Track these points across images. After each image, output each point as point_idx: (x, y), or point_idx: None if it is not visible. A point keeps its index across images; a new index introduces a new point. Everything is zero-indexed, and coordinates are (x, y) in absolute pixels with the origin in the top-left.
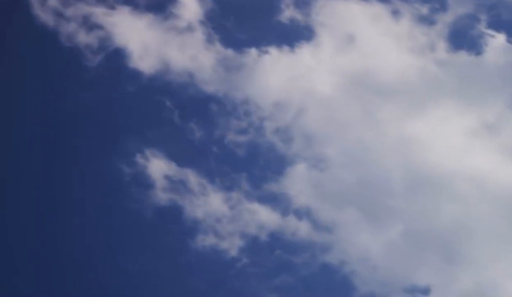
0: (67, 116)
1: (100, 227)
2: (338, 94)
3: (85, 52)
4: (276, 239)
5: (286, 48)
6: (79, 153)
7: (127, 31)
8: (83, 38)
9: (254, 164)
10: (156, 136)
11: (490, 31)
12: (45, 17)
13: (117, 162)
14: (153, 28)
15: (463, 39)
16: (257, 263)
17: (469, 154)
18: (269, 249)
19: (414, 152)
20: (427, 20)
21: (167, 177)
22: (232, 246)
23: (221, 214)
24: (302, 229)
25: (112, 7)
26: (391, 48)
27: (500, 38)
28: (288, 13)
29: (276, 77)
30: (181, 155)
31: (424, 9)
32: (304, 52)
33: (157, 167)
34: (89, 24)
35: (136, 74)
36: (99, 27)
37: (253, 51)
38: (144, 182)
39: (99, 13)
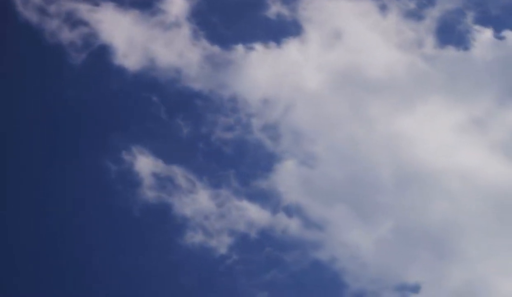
0: (52, 114)
1: (88, 225)
2: (326, 90)
3: (69, 49)
4: (266, 237)
5: (273, 44)
6: (65, 151)
7: (112, 27)
8: (68, 35)
9: (242, 161)
10: (143, 133)
11: (478, 26)
12: (29, 14)
13: (104, 159)
14: (139, 24)
15: (451, 34)
16: (246, 261)
17: (458, 150)
18: (259, 247)
19: (403, 148)
20: (415, 16)
21: (154, 175)
22: (221, 243)
23: (209, 212)
24: (292, 226)
25: (97, 4)
26: (379, 43)
27: (487, 33)
28: (274, 9)
29: (264, 74)
30: (169, 152)
31: (412, 4)
32: (292, 48)
33: (144, 164)
34: (74, 21)
35: (121, 71)
36: (83, 23)
37: (240, 47)
38: (131, 180)
39: (83, 9)
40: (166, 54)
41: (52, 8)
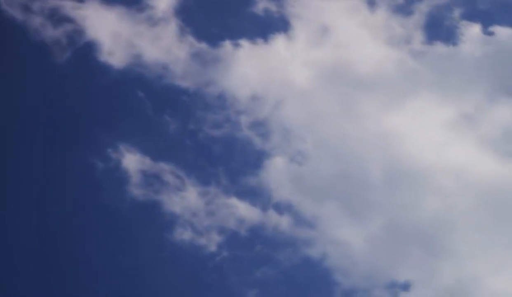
0: (37, 113)
1: (76, 223)
2: (315, 87)
3: (54, 46)
4: (256, 234)
5: (261, 40)
6: (51, 150)
7: (98, 24)
8: (52, 32)
9: (231, 158)
10: (130, 131)
11: (466, 22)
12: (13, 11)
13: (91, 157)
14: (125, 20)
15: (439, 30)
16: (237, 258)
17: (448, 146)
18: (249, 244)
19: (393, 145)
20: (403, 11)
21: (142, 172)
22: (210, 241)
23: (198, 209)
24: (283, 223)
25: (81, 0)
26: (367, 39)
27: (476, 29)
28: (262, 5)
29: (252, 70)
30: (156, 149)
31: (400, 0)
32: (280, 45)
33: (132, 161)
34: (58, 18)
35: (107, 68)
36: (68, 20)
37: (227, 44)
38: (119, 177)
39: (68, 6)
40: (153, 50)
41: (36, 5)
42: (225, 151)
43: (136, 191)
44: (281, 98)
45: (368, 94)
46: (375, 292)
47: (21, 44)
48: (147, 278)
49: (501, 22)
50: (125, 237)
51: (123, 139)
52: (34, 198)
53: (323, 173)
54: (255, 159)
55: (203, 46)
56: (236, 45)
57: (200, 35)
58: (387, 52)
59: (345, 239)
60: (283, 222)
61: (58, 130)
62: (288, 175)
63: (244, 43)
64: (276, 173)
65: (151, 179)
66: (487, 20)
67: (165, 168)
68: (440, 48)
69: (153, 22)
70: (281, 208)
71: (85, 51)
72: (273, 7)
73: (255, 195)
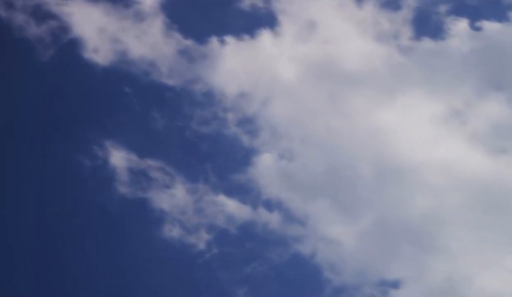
0: (22, 110)
1: (63, 221)
2: (303, 83)
3: (38, 43)
4: (246, 232)
5: (248, 36)
6: (37, 147)
7: (83, 20)
8: (36, 29)
9: (219, 156)
10: (117, 127)
11: (454, 17)
12: None
13: (78, 155)
14: (110, 16)
15: (427, 25)
16: (226, 256)
17: (438, 142)
18: (239, 242)
19: (382, 141)
20: (391, 6)
21: (129, 169)
22: (199, 239)
23: (187, 207)
24: (273, 221)
25: None
26: (355, 35)
27: (463, 24)
28: (248, 1)
29: (239, 67)
30: (143, 146)
31: None
32: (267, 41)
33: (119, 158)
34: (42, 15)
35: (93, 64)
36: (52, 17)
37: (214, 40)
38: (106, 174)
39: (52, 2)
40: (139, 47)
41: (19, 2)
42: (213, 148)
43: (124, 188)
44: (269, 95)
45: (357, 90)
46: (365, 290)
47: (5, 42)
48: (136, 275)
49: (489, 17)
50: (114, 235)
51: (110, 136)
52: (20, 197)
53: (312, 170)
54: (244, 156)
55: (190, 42)
56: (223, 42)
57: (187, 31)
58: (375, 48)
59: (335, 236)
60: (273, 220)
61: (43, 128)
62: (277, 172)
63: (231, 39)
64: (265, 170)
65: (139, 176)
66: (474, 15)
67: (153, 165)
68: (428, 43)
69: (139, 18)
70: (271, 205)
71: (70, 48)
72: (259, 3)
73: (244, 192)
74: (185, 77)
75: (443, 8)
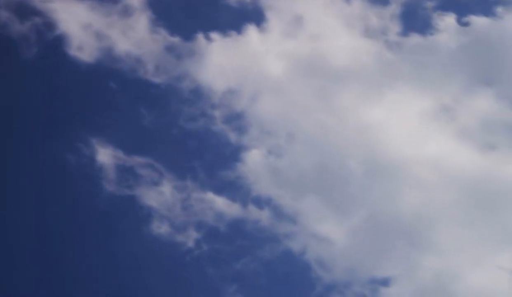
0: (6, 108)
1: (50, 220)
2: (291, 79)
3: (22, 40)
4: (236, 230)
5: (235, 33)
6: (22, 146)
7: (68, 16)
8: (20, 26)
9: (207, 153)
10: (104, 125)
11: (441, 12)
12: None
13: (65, 153)
14: (96, 12)
15: (415, 21)
16: (216, 253)
17: (427, 138)
18: (229, 240)
19: (371, 137)
20: (379, 1)
21: (116, 166)
22: (188, 237)
23: (175, 204)
24: (263, 218)
25: None
26: (343, 31)
27: (451, 19)
28: None
29: (227, 63)
30: (130, 143)
31: None
32: (255, 37)
33: (106, 156)
34: (26, 11)
35: (78, 61)
36: (37, 14)
37: (201, 37)
38: (93, 172)
39: None
40: (125, 43)
41: None
42: (201, 145)
43: (111, 186)
44: (257, 91)
45: (345, 86)
46: (356, 287)
47: None
48: (124, 272)
49: (476, 12)
50: (102, 232)
51: (97, 134)
52: (5, 196)
53: (302, 166)
54: (232, 153)
55: (176, 39)
56: (210, 38)
57: (173, 27)
58: (363, 43)
59: (326, 233)
60: (264, 217)
61: (28, 127)
62: (266, 169)
63: (218, 35)
64: (254, 166)
65: (126, 173)
66: (461, 10)
67: (140, 163)
68: (416, 39)
69: (125, 14)
70: (261, 202)
71: (55, 45)
72: None
73: (234, 190)
74: (172, 73)
75: (430, 4)
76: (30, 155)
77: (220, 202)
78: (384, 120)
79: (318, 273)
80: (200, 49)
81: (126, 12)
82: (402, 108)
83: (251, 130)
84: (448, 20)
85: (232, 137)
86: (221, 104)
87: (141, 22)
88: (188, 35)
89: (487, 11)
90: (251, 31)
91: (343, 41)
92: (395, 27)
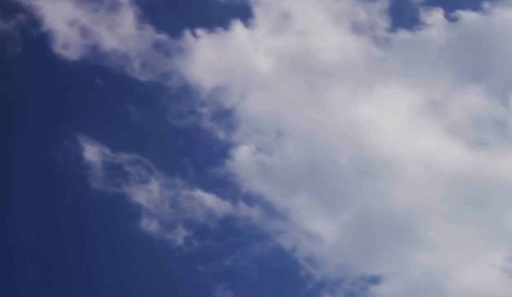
0: None
1: (37, 219)
2: (280, 76)
3: (6, 38)
4: (226, 227)
5: (223, 29)
6: (7, 144)
7: (53, 13)
8: (4, 24)
9: (196, 150)
10: (91, 122)
11: (428, 7)
12: None
13: (52, 150)
14: (82, 9)
15: (403, 16)
16: (205, 251)
17: (417, 134)
18: (219, 237)
19: (361, 134)
20: None
21: (104, 164)
22: (177, 235)
23: (164, 202)
24: (254, 215)
25: None
26: (331, 26)
27: (439, 15)
28: None
29: (214, 60)
30: (118, 140)
31: None
32: (243, 33)
33: (93, 153)
34: (10, 8)
35: (64, 58)
36: (21, 11)
37: (188, 33)
38: (80, 170)
39: None
40: (112, 39)
41: None
42: (189, 142)
43: (99, 184)
44: (245, 88)
45: (334, 83)
46: (347, 284)
47: None
48: (113, 270)
49: (464, 7)
50: (90, 230)
51: (83, 131)
52: None
53: (291, 163)
54: (221, 150)
55: (164, 36)
56: (198, 35)
57: (160, 23)
58: (351, 39)
59: (316, 230)
60: (254, 214)
61: (14, 125)
62: (256, 166)
63: (206, 32)
64: (244, 163)
65: (114, 171)
66: (449, 5)
67: (128, 160)
68: (404, 34)
69: (111, 10)
70: (251, 199)
71: (40, 42)
72: None
73: (223, 187)
74: (160, 70)
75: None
76: (17, 154)
77: (209, 200)
78: (374, 116)
79: (309, 270)
80: (188, 46)
81: (113, 8)
82: (392, 104)
83: (240, 127)
84: (436, 16)
85: (221, 134)
86: (209, 101)
87: (128, 18)
88: (175, 32)
89: (475, 6)
90: (239, 27)
91: (331, 37)
92: (383, 23)
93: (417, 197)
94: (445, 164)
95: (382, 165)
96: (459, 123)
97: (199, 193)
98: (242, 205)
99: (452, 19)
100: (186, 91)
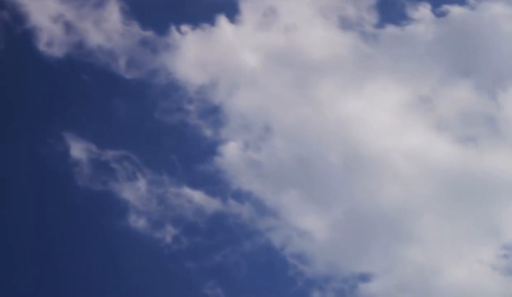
0: None
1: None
2: (267, 72)
3: None
4: (216, 225)
5: (209, 25)
6: None
7: (38, 8)
8: None
9: (184, 146)
10: (77, 119)
11: (415, 3)
12: None
13: (36, 148)
14: (67, 4)
15: (391, 11)
16: (194, 248)
17: (406, 130)
18: (209, 235)
19: (350, 130)
20: None
21: (90, 161)
22: (166, 232)
23: (151, 199)
24: (244, 213)
25: None
26: (319, 22)
27: (426, 10)
28: None
29: (201, 56)
30: (104, 137)
31: None
32: (229, 29)
33: (79, 150)
34: None
35: (49, 54)
36: (4, 7)
37: (174, 29)
38: (66, 167)
39: None
40: (97, 36)
41: None
42: (177, 139)
43: (86, 181)
44: (233, 84)
45: (322, 78)
46: (337, 281)
47: None
48: (101, 268)
49: (451, 2)
50: (78, 228)
51: (69, 128)
52: None
53: (281, 160)
54: (209, 147)
55: (150, 32)
56: (184, 31)
57: (146, 20)
58: (339, 35)
59: (306, 227)
60: (244, 211)
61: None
62: (245, 163)
63: (192, 28)
64: (232, 160)
65: (101, 168)
66: (436, 0)
67: (115, 157)
68: (392, 30)
69: (97, 6)
70: (241, 196)
71: (24, 38)
72: None
73: (212, 184)
74: (146, 67)
75: None
76: (2, 151)
77: (198, 197)
78: (362, 112)
79: (299, 267)
80: (175, 42)
81: (98, 4)
82: (380, 100)
83: (228, 124)
84: (423, 11)
85: (209, 131)
86: (197, 97)
87: (114, 14)
88: (161, 28)
89: (462, 1)
90: (225, 23)
91: (319, 32)
92: (371, 18)
93: (406, 193)
94: (434, 160)
95: (371, 162)
96: (448, 119)
97: (187, 191)
98: (231, 202)
99: (439, 14)
100: (173, 88)
